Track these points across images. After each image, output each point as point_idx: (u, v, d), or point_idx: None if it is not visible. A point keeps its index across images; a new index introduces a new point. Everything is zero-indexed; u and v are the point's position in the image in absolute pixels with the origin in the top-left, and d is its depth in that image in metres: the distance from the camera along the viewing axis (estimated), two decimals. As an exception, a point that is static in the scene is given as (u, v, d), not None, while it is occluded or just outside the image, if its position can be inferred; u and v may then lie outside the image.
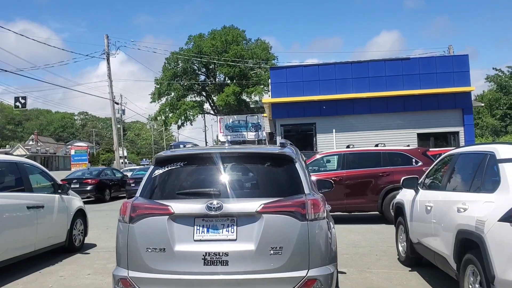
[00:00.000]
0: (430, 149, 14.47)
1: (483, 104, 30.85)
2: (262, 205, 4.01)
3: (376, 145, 12.33)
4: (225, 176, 4.37)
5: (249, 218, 4.03)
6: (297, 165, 4.42)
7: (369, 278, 6.31)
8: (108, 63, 35.08)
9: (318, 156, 12.72)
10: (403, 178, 6.75)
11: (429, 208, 5.76)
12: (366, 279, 6.27)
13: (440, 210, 5.42)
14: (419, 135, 21.23)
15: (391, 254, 7.56)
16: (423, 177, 6.61)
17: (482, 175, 4.75)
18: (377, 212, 11.63)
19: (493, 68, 31.94)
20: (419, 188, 6.44)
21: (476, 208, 4.49)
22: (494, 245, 4.06)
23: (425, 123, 21.22)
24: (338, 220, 11.54)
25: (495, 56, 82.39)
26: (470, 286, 4.54)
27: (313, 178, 9.05)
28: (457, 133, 20.96)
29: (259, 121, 32.85)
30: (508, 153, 4.39)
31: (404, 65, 21.58)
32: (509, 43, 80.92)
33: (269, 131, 29.77)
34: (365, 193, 11.40)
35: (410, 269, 6.68)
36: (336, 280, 4.41)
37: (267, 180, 4.47)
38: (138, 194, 4.52)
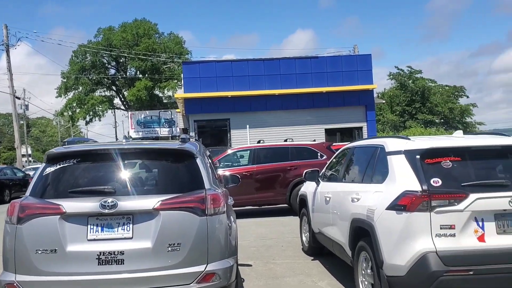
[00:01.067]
0: (334, 144, 15.18)
1: (384, 101, 33.12)
2: (160, 202, 3.96)
3: (285, 140, 12.69)
4: (122, 173, 4.25)
5: (146, 215, 3.97)
6: (198, 161, 4.40)
7: (274, 269, 6.48)
8: (8, 55, 32.66)
9: (229, 152, 12.80)
10: (305, 171, 7.00)
11: (328, 199, 6.03)
12: (271, 270, 6.43)
13: (337, 200, 5.70)
14: (326, 130, 22.19)
15: (296, 245, 7.83)
16: (323, 169, 6.90)
17: (374, 167, 5.07)
18: (286, 205, 11.97)
19: (395, 67, 34.30)
20: (320, 180, 6.72)
21: (367, 198, 4.78)
22: (382, 232, 4.35)
23: (332, 119, 22.22)
24: (249, 214, 11.76)
25: (399, 55, 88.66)
26: (363, 272, 4.83)
27: (226, 173, 9.08)
28: (360, 128, 22.23)
29: (172, 116, 32.35)
30: (395, 146, 4.71)
31: (313, 63, 22.41)
32: (412, 43, 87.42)
33: (183, 127, 29.42)
34: (274, 186, 11.71)
35: (312, 258, 6.96)
36: (236, 272, 4.47)
37: (167, 176, 4.41)
38: (27, 193, 4.25)
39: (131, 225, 3.95)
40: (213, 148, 15.68)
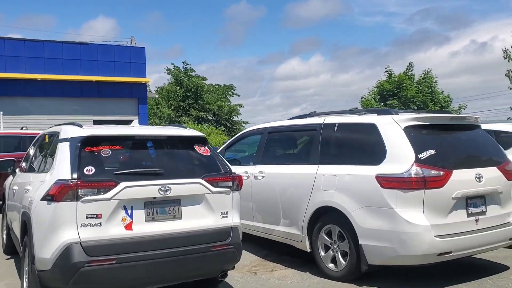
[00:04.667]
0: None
1: (157, 95, 33.69)
2: None
3: (21, 128, 11.47)
4: None
5: None
6: None
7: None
8: None
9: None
10: (-1, 160, 6.30)
11: (14, 192, 5.49)
12: None
13: (19, 193, 5.21)
14: (95, 121, 21.14)
15: (-1, 244, 7.01)
16: (23, 159, 6.31)
17: (52, 156, 4.73)
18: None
19: (171, 64, 35.01)
20: (16, 171, 6.11)
21: (33, 189, 4.46)
22: (36, 225, 4.07)
23: (102, 110, 21.29)
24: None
25: (198, 55, 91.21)
26: (26, 268, 4.47)
27: None
28: (131, 121, 21.86)
29: None
30: (65, 133, 4.47)
31: (83, 50, 21.11)
32: (211, 45, 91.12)
33: None
34: None
35: (8, 257, 6.29)
36: None
37: None
38: None
39: None
40: None
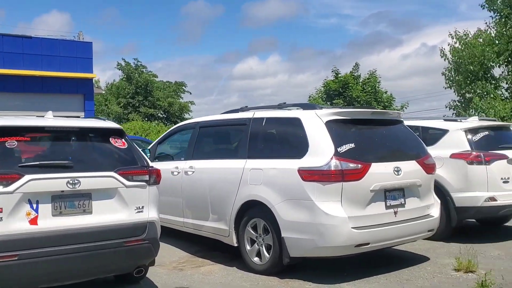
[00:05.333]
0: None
1: (103, 91, 32.80)
2: None
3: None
4: None
5: None
6: None
7: None
8: None
9: None
10: None
11: None
12: None
13: None
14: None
15: None
16: None
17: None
18: None
19: (122, 59, 34.11)
20: None
21: None
22: None
23: (47, 106, 20.24)
24: None
25: (154, 52, 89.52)
26: None
27: None
28: (78, 117, 21.19)
29: None
30: None
31: (26, 43, 20.23)
32: (168, 41, 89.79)
33: None
34: None
35: None
36: None
37: None
38: None
39: None
40: None
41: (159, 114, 33.62)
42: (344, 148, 4.96)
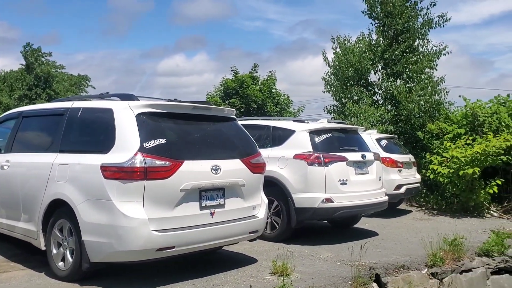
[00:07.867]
0: None
1: None
2: None
3: None
4: None
5: None
6: None
7: None
8: None
9: None
10: None
11: None
12: None
13: None
14: None
15: None
16: None
17: None
18: None
19: (24, 47, 31.37)
20: None
21: None
22: None
23: None
24: None
25: (78, 43, 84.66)
26: None
27: None
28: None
29: None
30: None
31: None
32: (94, 33, 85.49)
33: None
34: None
35: None
36: None
37: None
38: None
39: None
40: None
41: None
42: (152, 143, 4.58)
